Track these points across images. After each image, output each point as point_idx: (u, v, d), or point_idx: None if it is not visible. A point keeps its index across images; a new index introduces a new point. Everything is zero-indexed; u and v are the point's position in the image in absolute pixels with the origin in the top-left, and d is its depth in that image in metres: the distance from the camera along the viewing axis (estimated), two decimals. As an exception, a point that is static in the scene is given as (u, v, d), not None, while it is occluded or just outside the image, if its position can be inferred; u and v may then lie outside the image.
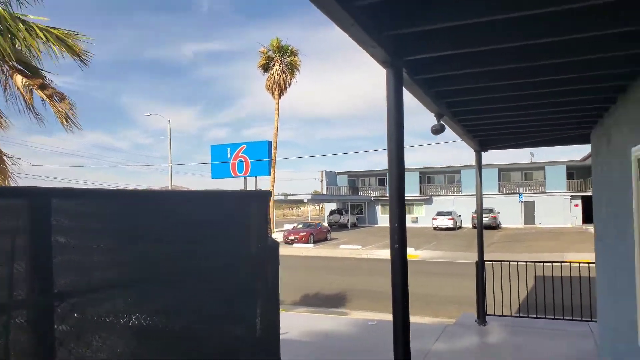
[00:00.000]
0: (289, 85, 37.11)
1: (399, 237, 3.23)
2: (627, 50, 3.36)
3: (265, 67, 37.28)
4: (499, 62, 3.59)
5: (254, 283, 3.75)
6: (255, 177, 38.63)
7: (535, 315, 8.46)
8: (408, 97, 4.55)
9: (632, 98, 4.16)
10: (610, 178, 5.23)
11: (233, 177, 38.24)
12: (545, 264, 9.05)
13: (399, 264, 3.23)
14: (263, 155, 37.12)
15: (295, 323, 9.01)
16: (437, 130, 4.98)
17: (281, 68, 36.53)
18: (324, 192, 51.84)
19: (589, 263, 7.99)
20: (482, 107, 5.06)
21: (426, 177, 51.01)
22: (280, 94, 37.00)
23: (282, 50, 36.81)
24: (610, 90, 4.49)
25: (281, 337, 8.45)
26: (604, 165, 5.65)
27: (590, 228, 7.08)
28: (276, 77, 36.32)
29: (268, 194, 4.14)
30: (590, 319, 7.94)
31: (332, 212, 46.70)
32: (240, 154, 38.52)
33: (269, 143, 37.48)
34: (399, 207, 3.24)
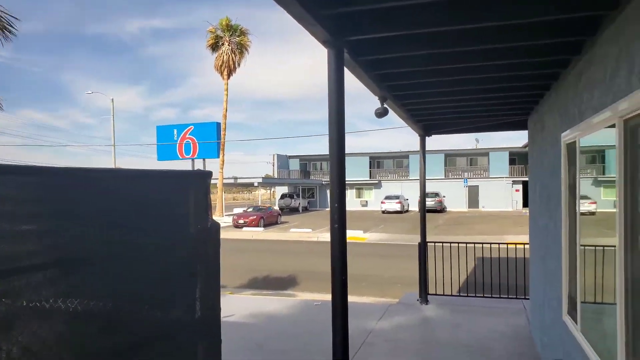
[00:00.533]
0: (239, 65, 36.48)
1: (338, 217, 3.25)
2: (561, 38, 3.49)
3: (214, 47, 36.43)
4: (440, 46, 3.65)
5: (192, 264, 3.69)
6: (204, 159, 37.89)
7: (474, 294, 8.83)
8: (354, 80, 4.59)
9: (563, 85, 4.34)
10: (543, 162, 5.48)
11: (180, 159, 37.35)
12: (484, 245, 9.42)
13: (338, 243, 3.26)
14: (211, 137, 36.40)
15: (241, 305, 8.99)
16: (381, 113, 5.03)
17: (230, 48, 35.80)
18: (276, 175, 51.62)
19: (524, 244, 8.40)
20: (424, 91, 5.15)
21: (376, 162, 51.80)
22: (230, 74, 36.32)
23: (231, 29, 36.05)
24: (545, 78, 4.67)
25: (226, 319, 8.44)
26: (539, 150, 5.91)
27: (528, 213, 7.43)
28: (225, 57, 35.59)
29: (208, 174, 4.05)
30: (524, 297, 8.37)
31: (283, 196, 46.62)
32: (187, 136, 37.60)
33: (218, 124, 36.79)
34: (339, 187, 3.26)
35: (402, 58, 4.08)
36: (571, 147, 4.06)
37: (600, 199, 3.59)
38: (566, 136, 4.17)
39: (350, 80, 4.56)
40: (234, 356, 6.11)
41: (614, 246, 2.78)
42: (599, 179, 3.70)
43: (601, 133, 3.53)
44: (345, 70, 4.00)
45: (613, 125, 2.81)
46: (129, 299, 2.94)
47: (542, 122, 5.60)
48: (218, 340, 3.98)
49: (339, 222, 3.26)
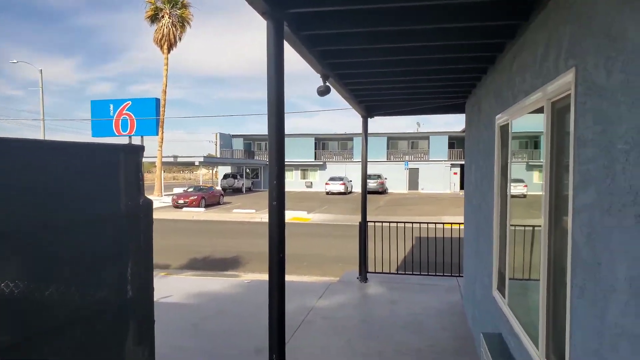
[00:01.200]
0: (180, 39, 35.18)
1: (277, 195, 3.21)
2: (497, 21, 3.57)
3: (154, 19, 34.88)
4: (379, 24, 3.64)
5: (122, 243, 3.54)
6: (142, 136, 36.48)
7: (411, 272, 9.10)
8: (299, 61, 4.51)
9: (499, 69, 4.47)
10: (479, 145, 5.66)
11: (117, 135, 35.80)
12: (422, 225, 9.71)
13: (276, 221, 3.22)
14: (150, 114, 35.08)
15: (179, 286, 8.82)
16: (323, 91, 5.00)
17: (171, 20, 34.42)
18: (218, 155, 50.65)
19: (460, 224, 8.72)
20: (365, 70, 5.16)
21: (321, 143, 51.99)
22: (170, 48, 34.97)
23: (172, 1, 34.60)
24: (483, 61, 4.79)
25: (163, 300, 8.26)
26: (475, 132, 6.10)
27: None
28: (165, 30, 34.19)
29: (140, 148, 3.89)
30: (458, 274, 8.73)
31: (226, 176, 45.84)
32: (124, 112, 36.06)
33: (157, 100, 35.49)
34: (277, 164, 3.21)
35: (343, 35, 4.04)
36: (504, 129, 4.21)
37: (532, 183, 3.74)
38: (500, 118, 4.31)
39: (296, 60, 4.49)
40: (168, 337, 5.99)
41: (540, 226, 2.91)
42: (531, 163, 3.85)
43: (534, 119, 3.67)
44: (287, 46, 3.94)
45: (542, 109, 2.92)
46: (49, 279, 2.79)
47: (478, 105, 5.77)
48: (151, 321, 3.87)
49: (277, 200, 3.21)
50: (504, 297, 3.84)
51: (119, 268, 3.50)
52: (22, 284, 2.60)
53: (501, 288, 4.09)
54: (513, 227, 3.88)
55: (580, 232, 2.16)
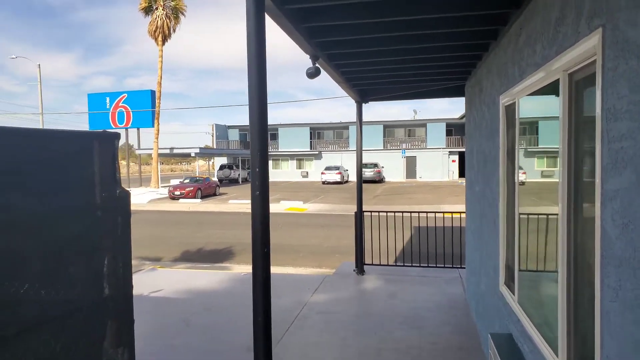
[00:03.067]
0: (174, 31, 34.67)
1: (260, 184, 2.86)
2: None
3: (148, 11, 34.34)
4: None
5: (97, 237, 3.22)
6: (138, 128, 36.24)
7: (410, 264, 8.78)
8: (293, 47, 4.14)
9: (502, 44, 4.11)
10: (481, 127, 5.31)
11: (113, 128, 35.52)
12: (421, 214, 9.38)
13: (260, 212, 2.88)
14: (146, 106, 34.72)
15: (171, 279, 8.51)
16: (312, 73, 4.64)
17: (165, 12, 33.87)
18: (214, 146, 50.20)
19: (460, 213, 8.39)
20: (358, 50, 4.77)
21: (316, 132, 51.51)
22: (165, 40, 34.45)
23: (165, -8, 34.03)
24: (484, 36, 4.42)
25: (153, 294, 7.90)
26: (476, 114, 5.74)
27: (464, 182, 7.35)
28: (159, 22, 33.66)
29: (115, 135, 3.54)
30: (460, 266, 8.40)
31: (222, 167, 45.40)
32: (120, 104, 35.75)
33: (153, 92, 35.09)
34: (260, 151, 2.85)
35: (332, 9, 3.68)
36: (510, 108, 3.85)
37: (533, 170, 3.44)
38: (505, 98, 3.95)
39: (290, 46, 4.14)
40: (158, 334, 5.68)
41: (556, 214, 2.57)
42: (529, 149, 3.54)
43: (534, 103, 3.34)
44: (272, 23, 3.57)
45: (556, 84, 2.57)
46: (11, 276, 2.47)
47: (479, 85, 5.41)
48: (130, 320, 3.53)
49: (260, 189, 2.87)
50: (513, 294, 3.51)
51: (93, 264, 3.17)
52: None
53: (509, 283, 3.75)
54: (522, 216, 3.54)
55: (613, 223, 1.81)
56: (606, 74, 1.91)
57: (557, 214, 2.53)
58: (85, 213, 3.09)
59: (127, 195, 3.49)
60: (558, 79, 2.54)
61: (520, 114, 3.53)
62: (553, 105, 2.66)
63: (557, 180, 2.53)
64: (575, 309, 2.35)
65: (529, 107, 3.46)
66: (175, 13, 34.80)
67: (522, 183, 3.57)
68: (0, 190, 2.44)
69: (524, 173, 3.57)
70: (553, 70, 2.60)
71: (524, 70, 3.32)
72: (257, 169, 2.85)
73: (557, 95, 2.56)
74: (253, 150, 2.84)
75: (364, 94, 7.74)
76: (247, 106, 2.79)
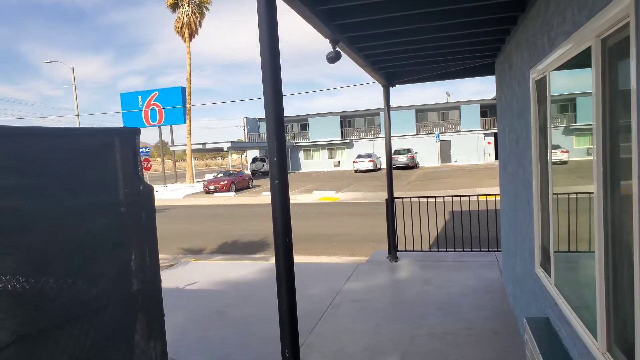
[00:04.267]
0: (200, 26, 34.99)
1: (278, 173, 2.81)
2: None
3: (174, 7, 34.74)
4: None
5: (122, 233, 3.25)
6: (170, 125, 36.84)
7: (445, 249, 8.61)
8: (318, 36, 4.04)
9: (531, 15, 3.90)
10: (512, 105, 5.10)
11: (146, 126, 36.29)
12: (454, 198, 9.16)
13: (280, 202, 2.83)
14: (177, 102, 35.25)
15: (206, 272, 8.62)
16: (333, 58, 4.53)
17: (190, 8, 34.18)
18: (246, 139, 50.63)
19: (496, 196, 8.15)
20: (380, 31, 4.62)
21: (347, 121, 51.18)
22: (191, 36, 34.81)
23: (190, -13, 34.33)
24: (512, 8, 4.22)
25: (189, 287, 8.02)
26: (507, 92, 5.52)
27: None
28: (185, 18, 34.01)
29: (136, 131, 3.56)
30: (496, 249, 8.18)
31: (254, 160, 45.77)
32: (152, 102, 36.40)
33: (183, 89, 35.57)
34: (277, 138, 2.79)
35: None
36: (541, 83, 3.66)
37: (572, 148, 3.26)
38: (535, 72, 3.76)
39: (316, 34, 4.06)
40: (192, 326, 5.75)
41: (591, 193, 2.42)
42: (571, 127, 3.35)
43: (574, 78, 3.15)
44: (285, 7, 3.49)
45: (588, 52, 2.40)
46: (40, 273, 2.53)
47: (509, 62, 5.18)
48: (160, 313, 3.58)
49: (279, 178, 2.81)
50: (550, 276, 3.35)
51: (119, 260, 3.22)
52: (12, 279, 2.36)
53: (545, 265, 3.59)
54: (556, 196, 3.36)
55: (652, 197, 1.67)
56: (640, 36, 1.75)
57: (591, 193, 2.38)
58: (108, 209, 3.12)
59: (150, 190, 3.50)
60: (590, 47, 2.37)
61: (557, 90, 3.34)
62: (585, 80, 2.50)
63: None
64: (614, 291, 2.20)
65: (566, 82, 3.27)
66: (200, 8, 35.09)
67: (565, 162, 3.39)
68: (23, 190, 2.48)
69: (566, 152, 3.38)
70: (584, 37, 2.43)
71: (554, 40, 3.13)
72: (275, 158, 2.80)
73: (588, 66, 2.39)
74: (270, 139, 2.78)
75: (390, 77, 7.57)
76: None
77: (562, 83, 3.29)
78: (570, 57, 2.79)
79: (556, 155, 3.40)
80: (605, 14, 2.11)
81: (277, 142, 2.76)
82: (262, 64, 2.70)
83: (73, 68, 36.80)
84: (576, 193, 3.16)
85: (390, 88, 7.91)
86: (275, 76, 2.69)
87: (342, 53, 4.57)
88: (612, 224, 2.22)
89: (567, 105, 3.39)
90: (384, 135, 8.48)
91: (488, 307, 5.79)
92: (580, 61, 2.70)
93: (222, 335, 5.47)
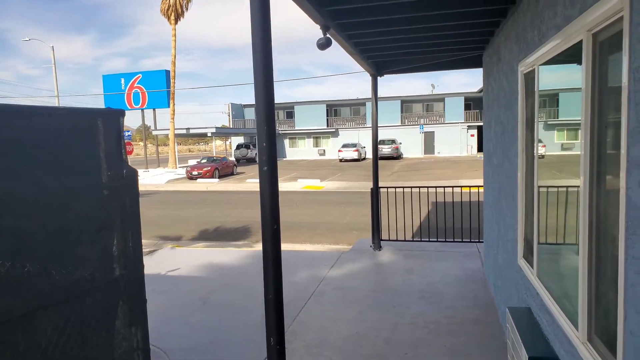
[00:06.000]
0: (187, 9, 34.39)
1: (267, 159, 2.78)
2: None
3: (160, -12, 34.07)
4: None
5: (104, 217, 3.19)
6: (154, 109, 36.33)
7: (428, 239, 8.69)
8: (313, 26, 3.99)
9: (520, 8, 3.91)
10: (499, 97, 5.13)
11: (129, 109, 35.67)
12: (438, 189, 9.23)
13: (268, 188, 2.81)
14: (161, 86, 34.75)
15: (188, 258, 8.57)
16: (323, 44, 4.51)
17: (177, -11, 33.57)
18: (231, 125, 50.23)
19: (479, 187, 8.23)
20: (371, 19, 4.60)
21: (333, 110, 51.09)
22: (177, 18, 34.22)
23: (177, -32, 33.67)
24: (502, 0, 4.22)
25: (171, 273, 7.96)
26: (494, 84, 5.55)
27: (483, 156, 7.13)
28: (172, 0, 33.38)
29: (120, 113, 3.49)
30: (478, 240, 8.29)
31: (239, 146, 45.47)
32: (135, 85, 35.83)
33: (167, 72, 35.05)
34: (267, 123, 2.76)
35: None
36: (529, 76, 3.69)
37: (553, 143, 3.32)
38: (523, 65, 3.78)
39: (304, 21, 4.02)
40: (174, 312, 5.73)
41: (575, 186, 2.45)
42: (549, 122, 3.40)
43: (558, 73, 3.18)
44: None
45: (578, 48, 2.41)
46: (18, 256, 2.47)
47: (498, 54, 5.20)
48: (142, 299, 3.54)
49: (268, 164, 2.79)
50: (532, 267, 3.40)
51: (102, 244, 3.16)
52: None
53: (528, 256, 3.64)
54: (542, 189, 3.40)
55: None
56: (634, 30, 1.76)
57: (577, 187, 2.42)
58: (91, 192, 3.06)
59: (134, 174, 3.45)
60: (581, 41, 2.39)
61: (540, 85, 3.37)
62: (574, 76, 2.52)
63: (578, 153, 2.40)
64: (596, 282, 2.24)
65: (550, 78, 3.31)
66: (188, -10, 34.51)
67: (542, 156, 3.44)
68: (3, 170, 2.42)
69: (544, 146, 3.43)
70: (576, 31, 2.44)
71: (544, 34, 3.15)
72: (264, 144, 2.77)
73: (579, 63, 2.41)
74: (259, 123, 2.75)
75: (378, 66, 7.55)
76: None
77: (545, 78, 3.32)
78: (560, 51, 2.81)
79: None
80: (598, 8, 2.12)
81: (267, 128, 2.73)
82: (253, 48, 2.66)
83: (53, 47, 35.87)
84: (559, 187, 3.21)
85: (379, 78, 7.89)
86: (266, 61, 2.66)
87: (332, 40, 4.54)
88: (596, 217, 2.25)
89: (546, 100, 3.43)
90: (369, 125, 8.47)
91: (470, 297, 5.87)
92: (569, 56, 2.73)
93: (205, 322, 5.46)
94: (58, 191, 2.76)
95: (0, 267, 2.35)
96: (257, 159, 43.77)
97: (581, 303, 2.32)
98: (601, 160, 2.24)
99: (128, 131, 34.89)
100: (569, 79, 3.01)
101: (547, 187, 3.34)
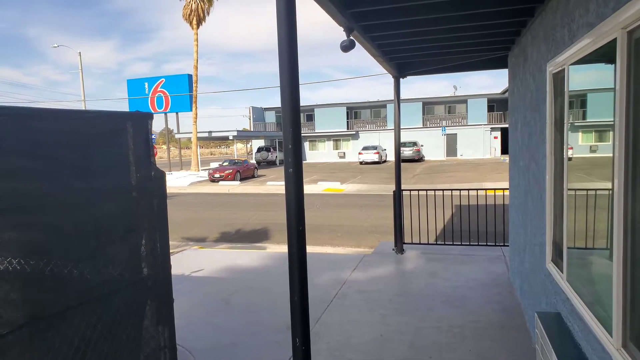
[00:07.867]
0: (208, 13, 34.76)
1: (293, 161, 2.77)
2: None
3: (183, -8, 34.54)
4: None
5: (133, 218, 3.24)
6: (177, 113, 36.83)
7: (452, 243, 8.60)
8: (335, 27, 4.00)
9: (549, 7, 3.84)
10: (525, 98, 5.05)
11: (153, 113, 36.05)
12: (462, 192, 9.13)
13: (294, 190, 2.80)
14: (183, 90, 35.20)
15: (211, 259, 8.64)
16: (347, 46, 4.50)
17: (198, -5, 33.99)
18: (252, 129, 50.58)
19: (503, 190, 8.11)
20: (395, 20, 4.57)
21: (353, 112, 50.99)
22: (199, 23, 34.62)
23: (199, -26, 34.09)
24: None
25: (194, 274, 8.03)
26: (520, 85, 5.46)
27: (507, 159, 7.01)
28: (193, 4, 33.83)
29: (148, 116, 3.55)
30: (503, 244, 8.16)
31: (259, 149, 45.76)
32: (159, 89, 36.37)
33: (190, 76, 35.49)
34: (293, 125, 2.76)
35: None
36: (558, 77, 3.61)
37: (578, 145, 3.26)
38: (552, 65, 3.71)
39: (323, 23, 4.04)
40: (198, 312, 5.77)
41: (607, 189, 2.39)
42: (576, 124, 3.32)
43: (587, 74, 3.11)
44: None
45: (611, 46, 2.35)
46: (50, 256, 2.51)
47: (524, 55, 5.12)
48: (169, 299, 3.58)
49: (294, 167, 2.78)
50: (562, 271, 3.33)
51: (130, 245, 3.21)
52: (23, 261, 2.35)
53: (557, 260, 3.57)
54: (571, 192, 3.33)
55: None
56: (673, 27, 1.71)
57: (608, 190, 2.35)
58: (120, 194, 3.11)
59: (162, 176, 3.49)
60: (614, 40, 2.33)
61: (570, 85, 3.30)
62: (604, 76, 2.46)
63: (608, 155, 2.34)
64: (632, 287, 2.18)
65: (580, 78, 3.23)
66: (208, -5, 34.90)
67: (570, 158, 3.37)
68: (34, 172, 2.46)
69: (571, 148, 3.36)
70: (609, 29, 2.39)
71: (575, 32, 3.08)
72: (290, 146, 2.76)
73: (610, 62, 2.35)
74: (285, 126, 2.75)
75: (401, 68, 7.51)
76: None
77: (578, 78, 3.24)
78: (592, 49, 2.74)
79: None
80: (633, 5, 2.07)
81: (293, 130, 2.73)
82: (279, 50, 2.66)
83: (80, 53, 36.79)
84: (588, 189, 3.13)
85: (401, 79, 7.84)
86: (292, 62, 2.66)
87: (355, 42, 4.53)
88: (632, 221, 2.19)
89: (573, 101, 3.36)
90: (390, 127, 8.44)
91: (495, 301, 5.78)
92: (600, 55, 2.66)
93: (228, 322, 5.49)
94: (89, 192, 2.80)
95: (37, 264, 2.40)
96: (277, 162, 44.04)
97: (615, 308, 2.25)
98: (637, 162, 2.17)
99: (152, 134, 35.36)
100: (599, 79, 2.94)
101: (575, 189, 3.27)
